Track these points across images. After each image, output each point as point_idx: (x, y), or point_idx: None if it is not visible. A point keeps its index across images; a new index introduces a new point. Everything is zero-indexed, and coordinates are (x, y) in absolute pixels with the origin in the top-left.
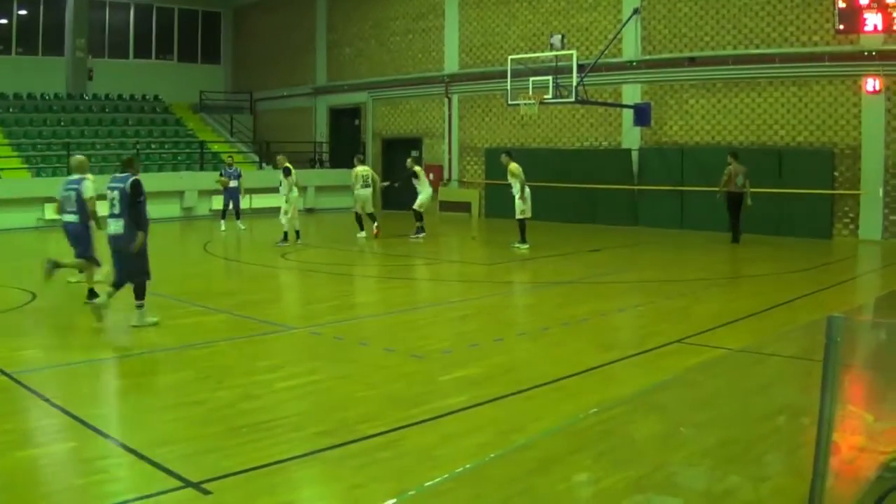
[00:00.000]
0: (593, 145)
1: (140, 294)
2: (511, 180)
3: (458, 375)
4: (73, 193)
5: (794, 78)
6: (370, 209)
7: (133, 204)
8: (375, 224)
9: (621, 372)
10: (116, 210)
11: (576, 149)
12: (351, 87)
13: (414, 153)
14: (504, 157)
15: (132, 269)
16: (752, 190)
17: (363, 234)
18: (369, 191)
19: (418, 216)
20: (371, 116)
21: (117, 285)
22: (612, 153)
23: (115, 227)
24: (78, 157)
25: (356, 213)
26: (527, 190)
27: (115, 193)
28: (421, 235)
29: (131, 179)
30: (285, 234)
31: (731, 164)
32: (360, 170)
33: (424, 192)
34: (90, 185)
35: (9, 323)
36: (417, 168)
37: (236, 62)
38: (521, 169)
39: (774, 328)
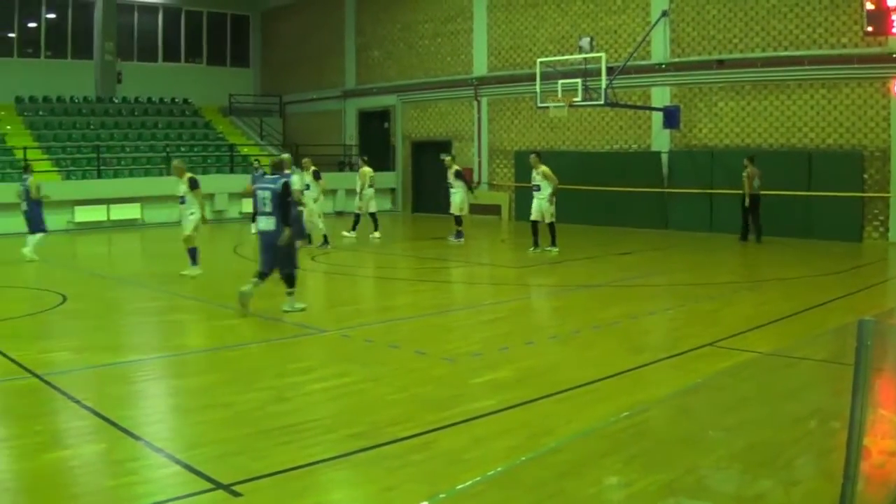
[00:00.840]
0: (623, 148)
1: (291, 283)
2: (542, 182)
3: (489, 378)
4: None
5: (822, 80)
6: (374, 209)
7: (284, 203)
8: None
9: (652, 375)
10: (268, 208)
11: (605, 151)
12: (380, 89)
13: (443, 155)
14: (534, 158)
15: (281, 260)
16: (781, 192)
17: (377, 233)
18: (373, 191)
19: (459, 220)
20: (400, 119)
21: (262, 276)
22: (641, 156)
23: (267, 223)
24: (285, 156)
25: (358, 214)
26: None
27: (267, 193)
28: (461, 239)
29: (282, 181)
30: (325, 237)
31: (748, 167)
32: (368, 170)
33: (459, 193)
34: (297, 178)
35: (39, 325)
36: (458, 167)
37: (265, 65)
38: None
39: (805, 332)
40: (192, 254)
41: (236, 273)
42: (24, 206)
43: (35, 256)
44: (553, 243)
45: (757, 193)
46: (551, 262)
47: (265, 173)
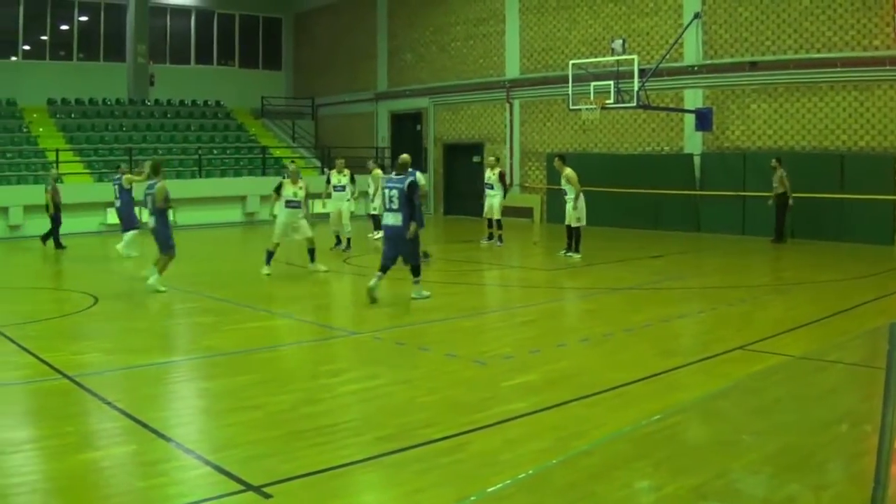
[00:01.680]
0: (655, 150)
1: (416, 273)
2: (566, 186)
3: (520, 381)
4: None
5: (855, 82)
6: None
7: (410, 200)
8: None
9: (683, 378)
10: (395, 205)
11: (637, 154)
12: (412, 92)
13: (477, 158)
14: (558, 162)
15: (409, 253)
16: (813, 195)
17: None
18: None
19: (499, 223)
20: (432, 122)
21: (384, 269)
22: (673, 158)
23: (395, 219)
24: (404, 156)
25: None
26: (581, 197)
27: (395, 192)
28: (500, 242)
29: (409, 180)
30: (348, 240)
31: (781, 168)
32: (378, 172)
33: (498, 195)
34: (421, 176)
35: (71, 326)
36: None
37: (297, 68)
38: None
39: (836, 335)
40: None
41: (268, 276)
42: (117, 204)
43: (132, 252)
44: (576, 249)
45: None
46: (582, 265)
47: (301, 176)
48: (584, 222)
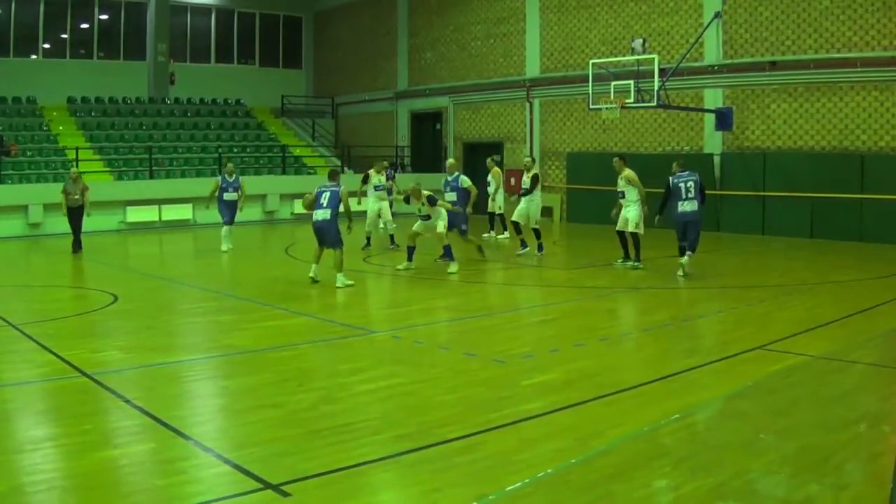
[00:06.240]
0: (675, 150)
1: (694, 249)
2: (626, 188)
3: (539, 380)
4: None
5: (875, 82)
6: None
7: (703, 189)
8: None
9: (702, 378)
10: (692, 195)
11: (657, 153)
12: (432, 91)
13: (497, 157)
14: (617, 162)
15: (696, 237)
16: (833, 195)
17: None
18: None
19: (538, 232)
20: (452, 121)
21: (682, 249)
22: (693, 158)
23: (691, 206)
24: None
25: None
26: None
27: (691, 183)
28: (542, 252)
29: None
30: (391, 237)
31: None
32: (498, 171)
33: (536, 199)
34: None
35: (90, 325)
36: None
37: (318, 67)
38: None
39: (856, 335)
40: (428, 251)
41: (287, 274)
42: (229, 198)
43: (223, 248)
44: (637, 258)
45: None
46: (603, 265)
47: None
48: (641, 230)
